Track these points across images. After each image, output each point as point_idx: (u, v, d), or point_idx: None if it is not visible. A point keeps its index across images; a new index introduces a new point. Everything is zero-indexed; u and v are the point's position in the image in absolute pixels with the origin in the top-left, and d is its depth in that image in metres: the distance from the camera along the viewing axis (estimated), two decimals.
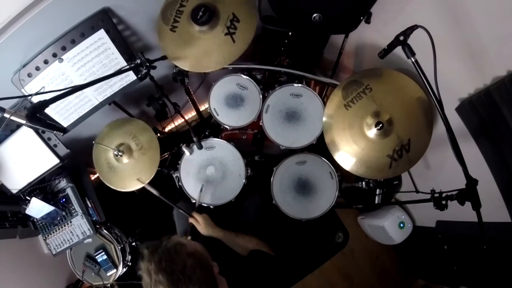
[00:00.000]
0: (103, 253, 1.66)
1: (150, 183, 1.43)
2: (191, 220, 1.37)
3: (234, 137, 1.72)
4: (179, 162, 1.59)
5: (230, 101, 1.61)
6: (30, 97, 1.16)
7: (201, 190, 1.53)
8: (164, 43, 1.29)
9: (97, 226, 1.65)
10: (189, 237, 1.33)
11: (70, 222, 1.58)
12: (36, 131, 1.39)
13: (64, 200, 1.59)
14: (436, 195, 1.22)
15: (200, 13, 1.20)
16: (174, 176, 1.61)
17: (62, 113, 1.39)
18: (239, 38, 1.23)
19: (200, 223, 1.33)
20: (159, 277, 0.75)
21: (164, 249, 0.79)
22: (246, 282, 1.03)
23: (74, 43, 1.26)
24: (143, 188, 1.44)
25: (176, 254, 0.79)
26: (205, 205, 1.56)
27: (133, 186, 1.44)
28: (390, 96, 1.27)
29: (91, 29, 1.25)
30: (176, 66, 1.36)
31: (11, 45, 1.16)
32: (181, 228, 1.55)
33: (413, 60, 1.01)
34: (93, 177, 1.90)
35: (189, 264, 0.78)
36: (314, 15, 1.25)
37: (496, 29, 1.02)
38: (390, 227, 1.94)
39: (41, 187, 1.54)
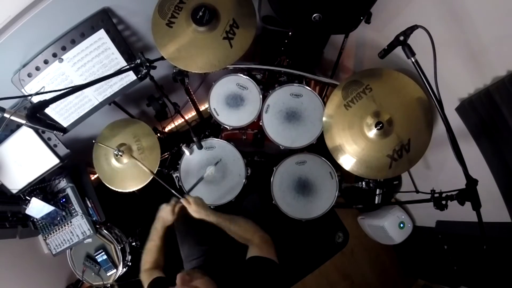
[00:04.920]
0: (103, 253, 1.66)
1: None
2: (182, 201, 1.26)
3: (234, 137, 1.72)
4: (179, 162, 1.59)
5: (230, 101, 1.61)
6: (30, 97, 1.15)
7: (196, 184, 1.48)
8: (159, 38, 1.26)
9: (97, 226, 1.65)
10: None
11: (70, 222, 1.57)
12: (36, 131, 1.38)
13: (64, 200, 1.59)
14: (436, 195, 1.22)
15: (200, 13, 1.19)
16: (174, 176, 1.61)
17: (62, 113, 1.39)
18: (237, 44, 1.24)
19: (191, 204, 1.22)
20: None
21: None
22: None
23: (74, 43, 1.26)
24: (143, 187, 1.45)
25: None
26: None
27: (133, 186, 1.44)
28: (390, 96, 1.28)
29: (91, 29, 1.25)
30: (176, 66, 1.36)
31: (11, 45, 1.16)
32: None
33: (413, 60, 1.01)
34: (93, 177, 1.90)
35: None
36: (314, 15, 1.25)
37: (496, 29, 1.02)
38: (390, 227, 1.94)
39: (41, 187, 1.54)
